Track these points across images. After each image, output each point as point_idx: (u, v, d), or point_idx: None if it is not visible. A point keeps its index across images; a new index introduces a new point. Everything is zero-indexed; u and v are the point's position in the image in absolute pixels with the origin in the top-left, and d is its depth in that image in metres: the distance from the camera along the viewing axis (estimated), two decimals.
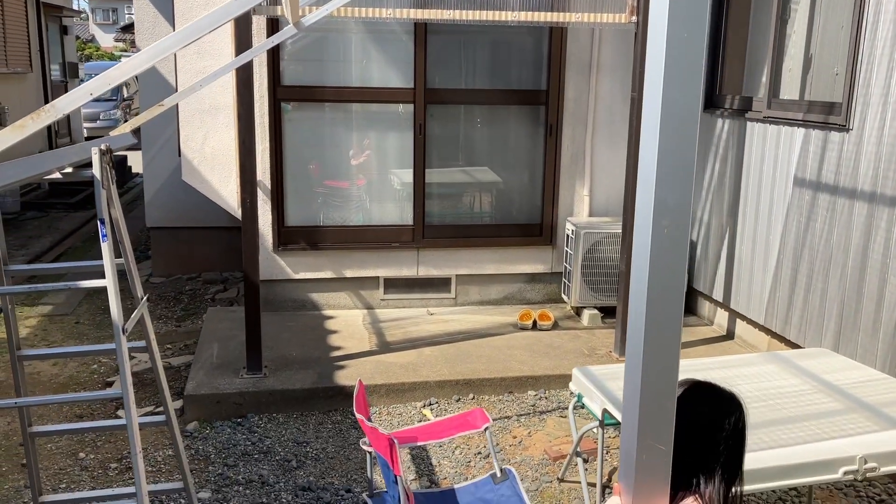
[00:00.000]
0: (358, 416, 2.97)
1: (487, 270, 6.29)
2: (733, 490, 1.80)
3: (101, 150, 2.46)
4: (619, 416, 3.08)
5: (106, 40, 44.40)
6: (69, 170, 2.62)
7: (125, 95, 19.69)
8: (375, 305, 6.22)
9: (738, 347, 5.54)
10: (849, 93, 4.42)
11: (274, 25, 5.56)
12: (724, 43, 5.78)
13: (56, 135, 13.86)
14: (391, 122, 6.14)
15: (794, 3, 5.19)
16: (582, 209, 6.33)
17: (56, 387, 5.09)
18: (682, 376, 1.61)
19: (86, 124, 17.27)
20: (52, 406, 4.71)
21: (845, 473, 2.86)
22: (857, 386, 3.42)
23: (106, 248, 2.49)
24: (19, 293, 2.94)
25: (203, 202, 6.17)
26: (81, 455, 4.23)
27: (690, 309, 6.19)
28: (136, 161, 11.54)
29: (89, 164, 2.51)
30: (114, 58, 34.07)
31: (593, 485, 3.77)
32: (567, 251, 6.13)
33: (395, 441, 2.70)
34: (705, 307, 6.07)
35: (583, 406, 3.64)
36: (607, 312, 5.96)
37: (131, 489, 2.85)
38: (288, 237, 6.00)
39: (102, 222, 2.47)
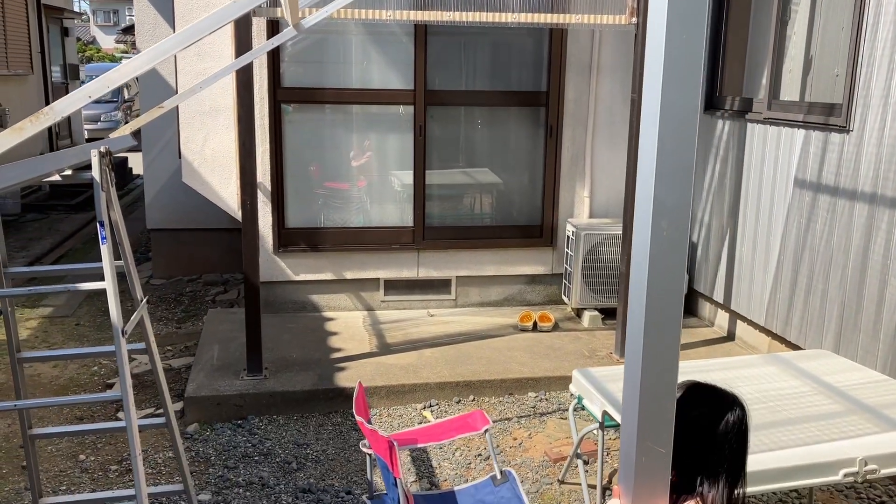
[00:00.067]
0: (358, 418, 2.97)
1: (488, 272, 6.28)
2: (736, 492, 1.80)
3: (100, 152, 2.46)
4: (618, 418, 3.08)
5: (107, 42, 44.44)
6: (69, 172, 2.62)
7: (126, 97, 19.70)
8: (376, 307, 6.22)
9: (739, 349, 5.54)
10: (849, 94, 4.42)
11: (274, 27, 5.56)
12: (725, 44, 5.78)
13: (57, 136, 13.87)
14: (391, 123, 6.14)
15: (795, 5, 5.19)
16: (582, 210, 6.32)
17: (56, 388, 5.09)
18: (682, 378, 1.60)
19: (86, 126, 17.29)
20: (52, 408, 4.71)
21: (846, 475, 2.86)
22: (857, 388, 3.42)
23: (105, 250, 2.49)
24: (19, 295, 2.94)
25: (203, 204, 6.18)
26: (82, 457, 4.23)
27: (691, 310, 6.19)
28: (136, 162, 11.55)
29: (89, 167, 2.51)
30: (115, 59, 34.11)
31: (594, 487, 3.77)
32: (567, 252, 6.13)
33: (395, 443, 2.70)
34: (706, 308, 6.07)
35: (583, 408, 3.64)
36: (608, 314, 5.95)
37: (131, 491, 2.85)
38: (288, 239, 6.00)
39: (102, 225, 2.47)
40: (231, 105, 5.62)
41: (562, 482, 3.98)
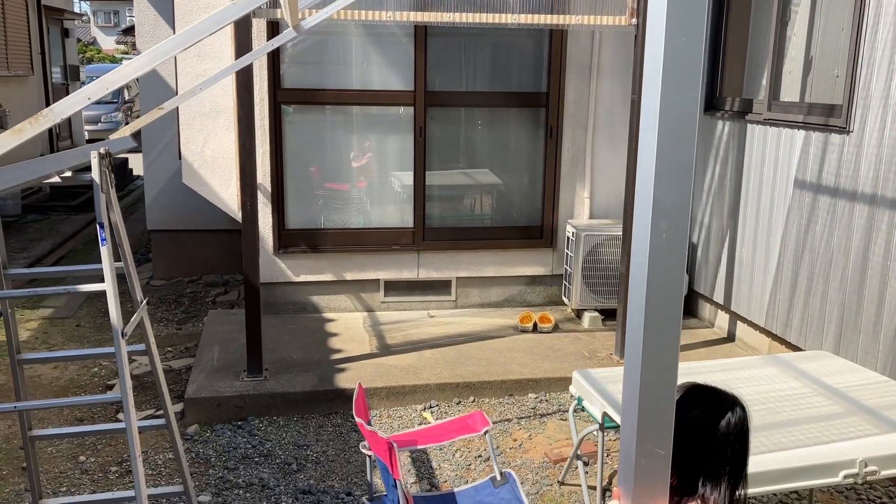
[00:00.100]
0: (357, 419, 2.97)
1: (488, 273, 6.28)
2: (738, 493, 1.79)
3: (100, 154, 2.46)
4: (618, 420, 3.08)
5: (107, 43, 44.47)
6: (68, 174, 2.62)
7: (126, 98, 19.71)
8: (376, 308, 6.22)
9: (739, 350, 5.53)
10: (849, 95, 4.42)
11: (274, 28, 5.57)
12: (725, 45, 5.78)
13: (57, 137, 13.87)
14: (391, 124, 6.15)
15: (795, 6, 5.19)
16: (582, 211, 6.32)
17: (57, 390, 5.09)
18: (682, 379, 1.60)
19: (87, 127, 17.29)
20: (52, 409, 4.71)
21: (845, 477, 2.86)
22: (857, 389, 3.42)
23: (105, 252, 2.49)
24: (19, 297, 2.94)
25: (204, 205, 6.18)
26: (82, 458, 4.23)
27: (691, 311, 6.19)
28: (136, 163, 11.55)
29: (89, 168, 2.51)
30: (115, 60, 34.13)
31: (594, 488, 3.77)
32: (567, 253, 6.13)
33: (395, 445, 2.70)
34: (706, 309, 6.07)
35: (583, 409, 3.64)
36: (608, 315, 5.95)
37: (131, 493, 2.85)
38: (288, 240, 6.00)
39: (102, 226, 2.47)
40: (231, 106, 5.62)
41: (562, 483, 3.98)
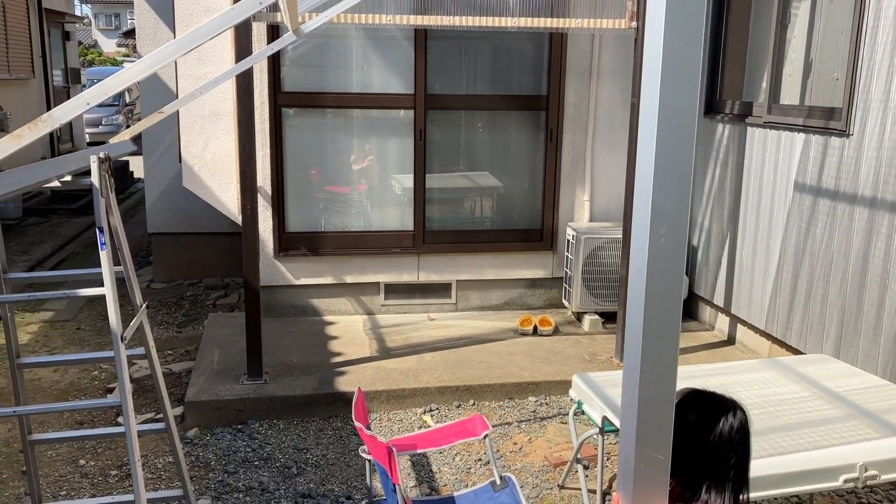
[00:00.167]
0: (357, 424, 2.97)
1: (488, 276, 6.28)
2: (741, 497, 1.79)
3: (99, 158, 2.46)
4: (618, 424, 3.08)
5: (108, 45, 44.54)
6: (68, 178, 2.62)
7: (127, 101, 19.73)
8: (376, 311, 6.22)
9: (739, 353, 5.53)
10: (849, 98, 4.42)
11: (274, 31, 5.57)
12: (725, 48, 5.78)
13: (58, 140, 13.89)
14: (392, 127, 6.15)
15: (794, 8, 5.19)
16: (582, 214, 6.32)
17: (57, 393, 5.09)
18: (682, 383, 1.60)
19: (88, 129, 17.31)
20: (52, 413, 4.71)
21: (846, 481, 2.85)
22: (857, 392, 3.41)
23: (105, 256, 2.49)
24: (18, 301, 2.94)
25: (204, 208, 6.18)
26: (82, 462, 4.23)
27: (691, 314, 6.19)
28: (137, 166, 11.56)
29: (89, 172, 2.51)
30: (116, 63, 34.17)
31: (594, 492, 3.77)
32: (568, 256, 6.12)
33: (394, 449, 2.70)
34: (706, 312, 6.07)
35: (583, 412, 3.63)
36: (608, 318, 5.95)
37: (131, 497, 2.85)
38: (289, 243, 6.00)
39: (101, 231, 2.47)
40: (231, 109, 5.62)
41: (562, 487, 3.97)
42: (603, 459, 3.51)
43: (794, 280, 4.95)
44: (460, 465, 4.20)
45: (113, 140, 3.21)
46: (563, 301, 6.26)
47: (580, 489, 3.78)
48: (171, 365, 5.55)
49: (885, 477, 2.92)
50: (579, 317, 6.12)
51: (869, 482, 2.88)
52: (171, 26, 6.83)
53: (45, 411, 4.41)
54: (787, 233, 5.02)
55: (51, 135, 12.96)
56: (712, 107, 5.88)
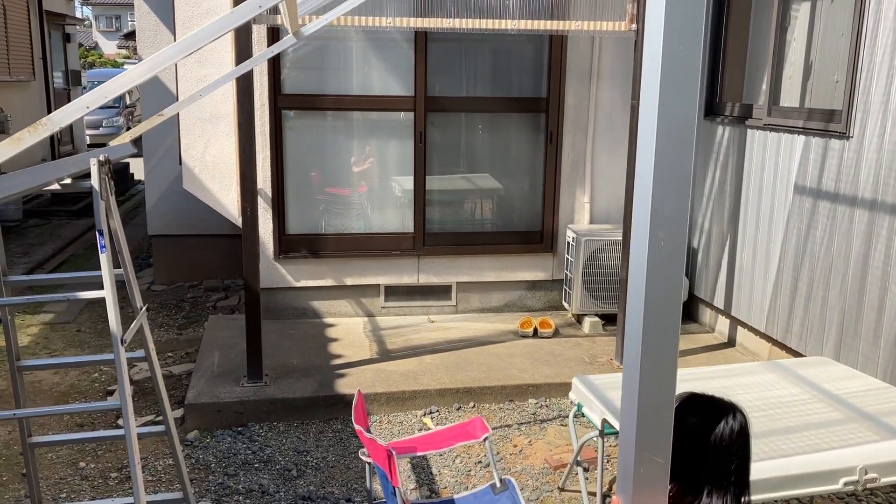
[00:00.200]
0: (356, 427, 2.97)
1: (488, 278, 6.28)
2: (742, 501, 1.79)
3: (99, 161, 2.46)
4: (618, 426, 3.08)
5: (109, 47, 44.59)
6: (68, 181, 2.62)
7: (128, 102, 19.74)
8: (376, 313, 6.22)
9: (740, 355, 5.53)
10: (849, 100, 4.42)
11: (274, 34, 5.57)
12: (725, 50, 5.78)
13: (59, 142, 13.90)
14: (392, 129, 6.15)
15: (794, 11, 5.19)
16: (583, 216, 6.33)
17: (57, 395, 5.09)
18: (682, 385, 1.60)
19: (88, 131, 17.32)
20: (52, 415, 4.71)
21: (846, 484, 2.85)
22: (857, 395, 3.41)
23: (104, 259, 2.49)
24: (19, 304, 2.95)
25: (204, 210, 6.19)
26: (82, 464, 4.23)
27: (692, 316, 6.19)
28: (138, 168, 11.56)
29: (89, 175, 2.51)
30: (117, 65, 34.19)
31: (594, 494, 3.76)
32: (568, 258, 6.12)
33: (394, 452, 2.70)
34: (706, 314, 6.06)
35: (583, 415, 3.63)
36: (608, 320, 5.95)
37: (131, 499, 2.85)
38: (289, 245, 6.00)
39: (101, 234, 2.47)
40: (232, 112, 5.63)
41: (562, 489, 3.97)
42: (603, 462, 3.51)
43: (794, 282, 4.95)
44: (460, 468, 4.20)
45: (113, 143, 3.21)
46: (564, 303, 6.26)
47: (580, 492, 3.78)
48: (172, 367, 5.55)
49: (885, 480, 2.91)
50: (579, 319, 6.12)
51: (869, 485, 2.88)
52: (172, 28, 6.83)
53: (45, 414, 4.41)
54: (787, 235, 5.02)
55: (51, 137, 12.95)
56: (712, 109, 5.88)
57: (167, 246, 7.63)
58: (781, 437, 3.06)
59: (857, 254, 4.39)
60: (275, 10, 4.89)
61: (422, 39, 5.88)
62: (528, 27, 5.15)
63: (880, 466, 2.89)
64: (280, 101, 5.82)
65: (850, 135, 4.43)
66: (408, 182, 6.14)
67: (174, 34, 6.42)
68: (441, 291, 6.28)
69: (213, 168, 5.83)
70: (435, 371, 5.10)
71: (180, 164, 6.02)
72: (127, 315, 2.78)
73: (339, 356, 5.35)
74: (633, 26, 5.13)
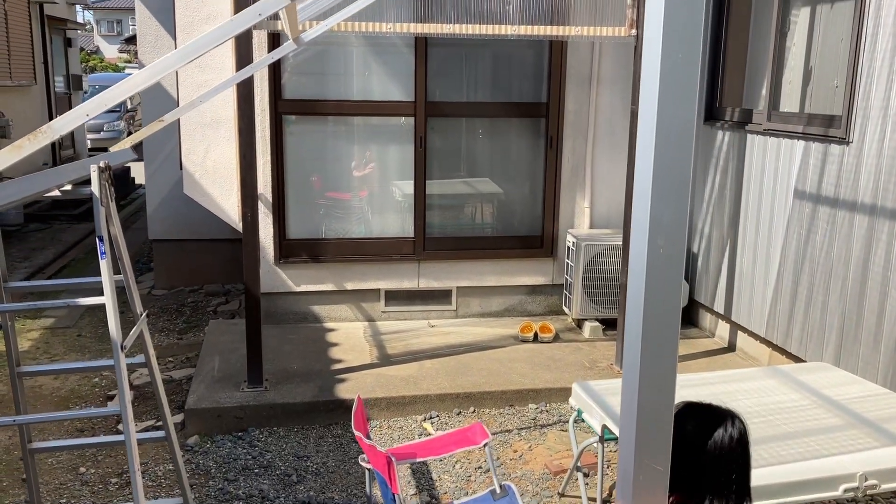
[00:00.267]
0: (356, 433, 2.97)
1: (488, 282, 6.28)
2: None
3: (99, 167, 2.47)
4: (618, 432, 3.08)
5: (110, 51, 44.65)
6: (68, 187, 2.63)
7: (129, 107, 19.77)
8: (376, 318, 6.22)
9: (740, 360, 5.53)
10: (848, 105, 4.43)
11: (275, 39, 5.58)
12: (724, 55, 5.79)
13: (60, 147, 13.92)
14: (392, 134, 6.16)
15: (794, 16, 5.20)
16: (583, 221, 6.33)
17: (57, 400, 5.09)
18: (682, 391, 1.60)
19: (89, 135, 17.35)
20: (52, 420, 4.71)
21: (846, 490, 2.85)
22: (857, 401, 3.41)
23: (105, 265, 2.49)
24: (19, 310, 2.96)
25: (205, 215, 6.19)
26: (82, 469, 4.23)
27: (692, 321, 6.18)
28: (139, 172, 11.57)
29: (89, 181, 2.52)
30: (118, 69, 34.24)
31: (594, 500, 3.76)
32: (568, 263, 6.13)
33: (393, 459, 2.70)
34: (707, 319, 6.06)
35: (583, 420, 3.63)
36: (609, 324, 5.95)
37: None
38: (289, 250, 6.01)
39: (101, 240, 2.48)
40: (232, 117, 5.64)
41: (562, 495, 3.97)
42: (603, 467, 3.51)
43: (794, 287, 4.95)
44: (460, 473, 4.19)
45: (113, 148, 3.22)
46: (564, 308, 6.26)
47: (580, 497, 3.77)
48: (172, 372, 5.55)
49: (885, 486, 2.91)
50: (580, 323, 6.12)
51: (869, 491, 2.88)
52: (173, 33, 6.85)
53: (45, 420, 4.41)
54: (787, 240, 5.02)
55: (52, 142, 12.98)
56: (712, 114, 5.88)
57: (168, 250, 7.64)
58: (781, 443, 3.06)
59: (857, 258, 4.39)
60: (275, 17, 4.89)
61: (422, 45, 5.89)
62: (528, 33, 5.16)
63: (880, 473, 2.89)
64: (281, 107, 5.83)
65: (850, 140, 4.43)
66: (408, 187, 6.14)
67: (175, 39, 6.44)
68: (441, 296, 6.28)
69: (213, 173, 5.83)
70: (435, 376, 5.10)
71: (181, 168, 6.03)
72: (127, 320, 2.79)
73: (339, 361, 5.35)
74: (633, 31, 5.14)
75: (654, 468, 1.53)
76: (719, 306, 5.79)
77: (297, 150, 5.98)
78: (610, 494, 3.88)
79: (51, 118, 13.49)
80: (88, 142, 16.84)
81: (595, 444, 3.40)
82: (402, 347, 5.62)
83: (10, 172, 2.26)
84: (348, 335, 5.86)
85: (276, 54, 3.84)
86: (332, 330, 5.98)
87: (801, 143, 4.87)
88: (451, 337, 5.86)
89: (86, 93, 18.65)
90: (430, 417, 4.81)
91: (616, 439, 3.19)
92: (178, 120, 5.74)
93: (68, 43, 16.41)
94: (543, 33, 5.20)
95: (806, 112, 5.00)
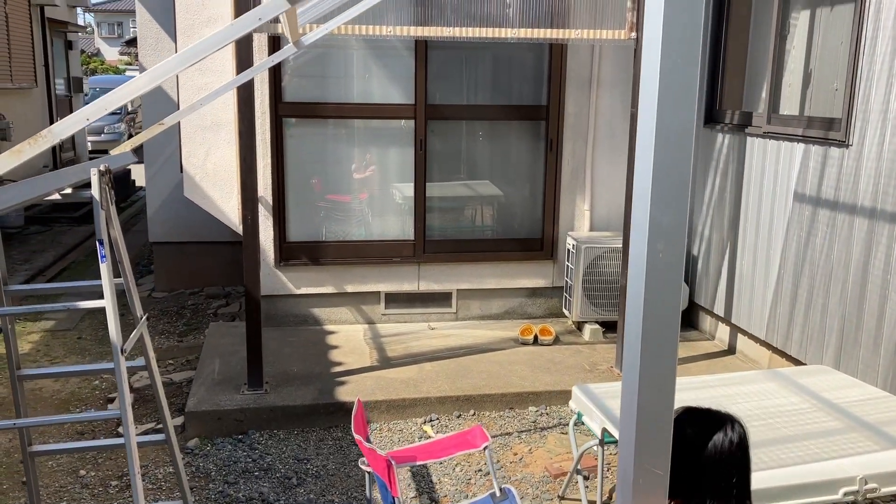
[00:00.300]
0: (356, 436, 2.97)
1: (488, 285, 6.29)
2: None
3: (99, 171, 2.47)
4: (617, 435, 3.07)
5: (111, 54, 44.71)
6: (68, 190, 2.63)
7: (129, 109, 19.79)
8: (376, 320, 6.22)
9: (740, 362, 5.52)
10: (848, 108, 4.43)
11: (275, 42, 5.59)
12: (724, 58, 5.80)
13: (60, 149, 13.92)
14: (392, 137, 6.16)
15: (794, 19, 5.20)
16: (583, 224, 6.33)
17: (58, 403, 5.09)
18: (682, 394, 1.60)
19: (90, 138, 17.35)
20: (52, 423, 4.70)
21: (846, 494, 2.85)
22: (857, 404, 3.41)
23: (105, 268, 2.49)
24: (19, 314, 2.95)
25: (205, 217, 6.19)
26: (82, 472, 4.23)
27: (692, 323, 6.18)
28: (140, 174, 11.58)
29: (89, 185, 2.52)
30: (119, 71, 34.27)
31: (594, 503, 3.76)
32: (568, 266, 6.13)
33: (393, 462, 2.70)
34: (706, 322, 6.06)
35: (583, 423, 3.63)
36: (609, 327, 5.95)
37: None
38: (289, 252, 6.01)
39: (101, 243, 2.48)
40: (232, 120, 5.64)
41: (562, 498, 3.97)
42: (603, 471, 3.51)
43: (794, 290, 4.95)
44: (460, 476, 4.19)
45: (114, 151, 3.22)
46: (564, 310, 6.26)
47: (580, 500, 3.77)
48: (172, 374, 5.55)
49: (885, 490, 2.91)
50: (580, 326, 6.12)
51: (869, 495, 2.88)
52: (173, 36, 6.86)
53: (45, 423, 4.42)
54: (787, 243, 5.03)
55: None
56: (712, 116, 5.89)
57: (168, 253, 7.64)
58: (781, 446, 3.05)
59: (857, 261, 4.40)
60: (275, 20, 4.90)
61: (422, 48, 5.90)
62: (528, 36, 5.16)
63: (880, 476, 2.89)
64: (281, 110, 5.83)
65: (850, 143, 4.44)
66: (408, 189, 6.15)
67: (175, 41, 6.44)
68: (441, 299, 6.28)
69: (213, 176, 5.84)
70: (435, 379, 5.10)
71: (181, 171, 6.04)
72: (127, 323, 2.79)
73: (339, 364, 5.35)
74: (633, 34, 5.15)
75: (653, 472, 1.53)
76: (719, 309, 5.79)
77: (297, 152, 5.99)
78: (610, 498, 3.88)
79: (51, 121, 13.49)
80: (89, 144, 16.85)
81: (595, 447, 3.40)
82: (402, 350, 5.62)
83: (11, 175, 2.27)
84: (348, 338, 5.86)
85: (277, 57, 3.84)
86: (332, 332, 5.98)
87: (801, 145, 4.87)
88: (451, 339, 5.86)
89: (86, 95, 18.68)
90: (430, 420, 4.81)
91: (616, 442, 3.19)
92: (179, 123, 5.74)
93: (69, 45, 16.43)
94: (543, 36, 5.21)
95: (806, 115, 5.00)
